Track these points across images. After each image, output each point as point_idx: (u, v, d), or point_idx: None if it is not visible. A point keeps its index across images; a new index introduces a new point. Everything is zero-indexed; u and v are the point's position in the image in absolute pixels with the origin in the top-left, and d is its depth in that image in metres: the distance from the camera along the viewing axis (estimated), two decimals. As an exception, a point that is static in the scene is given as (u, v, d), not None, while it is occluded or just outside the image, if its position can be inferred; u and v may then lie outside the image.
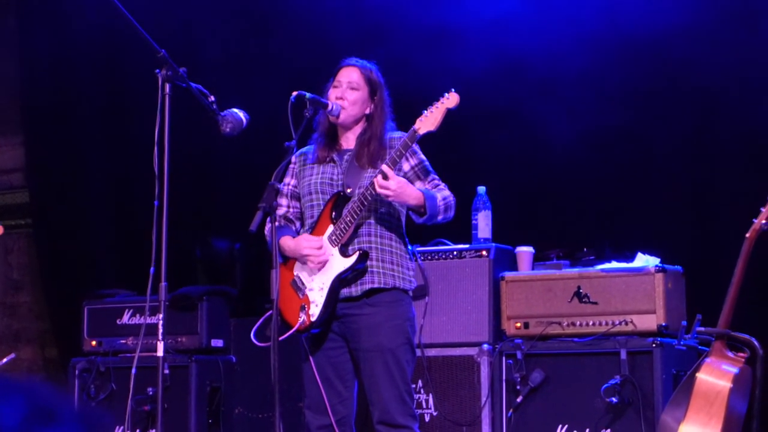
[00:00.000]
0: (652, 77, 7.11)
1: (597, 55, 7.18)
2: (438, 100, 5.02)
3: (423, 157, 5.24)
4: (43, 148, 9.11)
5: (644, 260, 6.22)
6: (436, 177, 5.23)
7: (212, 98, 4.77)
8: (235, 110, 4.88)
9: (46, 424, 1.57)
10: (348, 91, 5.18)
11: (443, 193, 5.15)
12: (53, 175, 9.00)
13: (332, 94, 5.20)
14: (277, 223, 5.23)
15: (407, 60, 7.49)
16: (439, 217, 5.14)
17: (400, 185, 4.95)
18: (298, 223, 5.32)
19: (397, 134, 5.21)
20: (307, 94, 5.04)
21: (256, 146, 6.98)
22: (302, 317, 5.10)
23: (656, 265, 6.11)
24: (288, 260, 5.22)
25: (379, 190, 4.94)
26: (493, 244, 6.52)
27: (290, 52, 7.93)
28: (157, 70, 4.67)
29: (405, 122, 5.25)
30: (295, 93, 4.99)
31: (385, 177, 4.92)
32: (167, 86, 4.65)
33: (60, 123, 8.97)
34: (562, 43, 7.27)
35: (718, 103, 6.91)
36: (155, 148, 4.59)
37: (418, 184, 5.16)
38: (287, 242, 5.18)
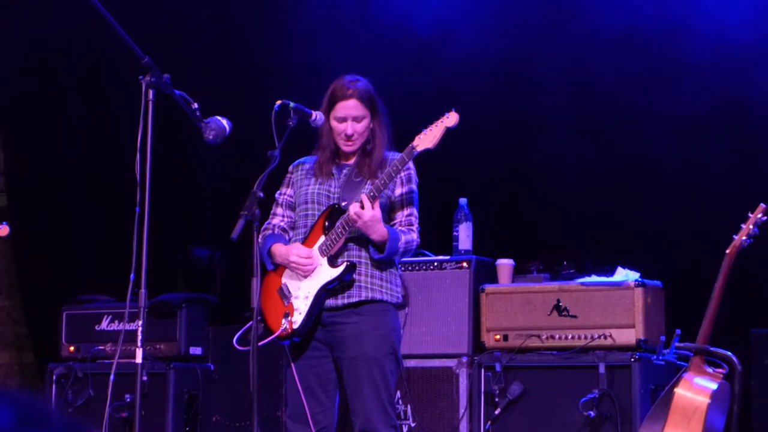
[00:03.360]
0: (634, 92, 7.12)
1: (578, 71, 7.20)
2: (438, 119, 5.02)
3: (415, 188, 5.23)
4: (22, 151, 9.08)
5: (624, 274, 6.23)
6: (414, 213, 5.21)
7: (196, 105, 4.76)
8: (219, 118, 4.87)
9: (36, 427, 1.57)
10: (356, 126, 5.17)
11: (407, 237, 5.14)
12: (33, 179, 8.96)
13: (339, 127, 5.17)
14: (271, 232, 5.24)
15: (394, 73, 7.50)
16: (395, 257, 5.16)
17: (372, 219, 4.96)
18: (291, 233, 5.32)
19: (397, 156, 5.20)
20: (291, 103, 5.02)
21: (239, 154, 6.97)
22: (284, 324, 5.09)
23: (636, 280, 6.12)
24: (278, 267, 5.21)
25: (351, 214, 4.96)
26: (474, 256, 6.53)
27: (275, 59, 7.93)
28: (141, 76, 4.66)
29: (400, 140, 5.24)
30: (279, 102, 4.98)
31: (363, 206, 4.95)
32: (150, 92, 4.64)
33: (40, 127, 8.94)
34: (547, 58, 7.29)
35: (702, 119, 6.93)
36: (137, 155, 4.57)
37: (398, 212, 5.17)
38: (279, 248, 5.19)
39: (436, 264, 6.56)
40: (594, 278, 6.29)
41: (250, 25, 8.17)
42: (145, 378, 6.59)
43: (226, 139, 4.88)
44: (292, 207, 5.32)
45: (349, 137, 5.16)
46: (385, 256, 5.08)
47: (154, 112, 4.62)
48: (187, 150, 7.94)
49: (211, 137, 4.82)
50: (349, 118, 5.17)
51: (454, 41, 7.43)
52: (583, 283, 6.25)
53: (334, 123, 5.19)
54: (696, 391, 5.29)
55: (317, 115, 5.15)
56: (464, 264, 6.50)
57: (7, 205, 9.15)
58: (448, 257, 6.58)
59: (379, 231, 5.02)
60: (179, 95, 4.74)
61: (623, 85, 7.13)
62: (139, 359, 4.61)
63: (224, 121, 4.86)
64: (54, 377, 7.34)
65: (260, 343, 4.94)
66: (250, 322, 4.94)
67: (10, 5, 8.94)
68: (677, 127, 6.99)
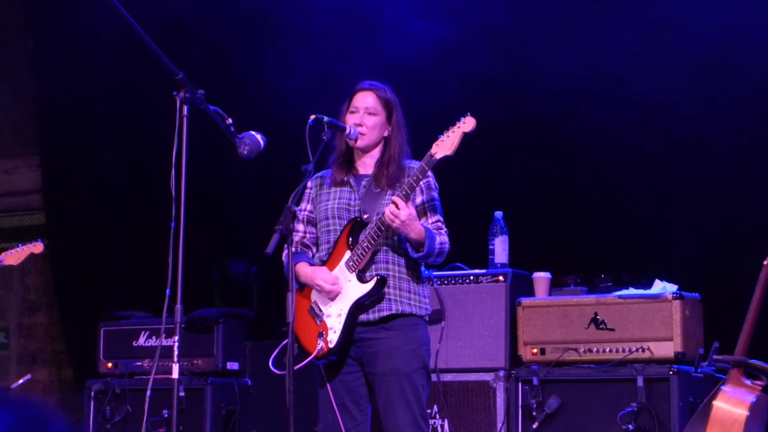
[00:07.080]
0: (673, 103, 7.09)
1: (612, 81, 7.17)
2: (454, 124, 4.99)
3: (436, 195, 5.23)
4: (60, 169, 9.14)
5: (662, 287, 6.20)
6: (441, 219, 5.22)
7: (230, 121, 4.76)
8: (253, 133, 4.87)
9: (36, 429, 1.58)
10: (366, 117, 5.18)
11: (441, 238, 5.15)
12: (70, 197, 9.02)
13: (350, 120, 5.19)
14: (293, 249, 5.21)
15: (424, 82, 7.50)
16: (430, 259, 5.14)
17: (409, 217, 4.95)
18: (314, 248, 5.31)
19: (416, 164, 5.19)
20: (325, 118, 5.03)
21: (274, 169, 6.98)
22: (320, 344, 5.08)
23: (674, 292, 6.09)
24: (304, 287, 5.20)
25: (388, 215, 4.93)
26: (510, 270, 6.51)
27: (309, 73, 7.94)
28: (175, 92, 4.66)
29: (420, 144, 5.23)
30: (312, 116, 4.98)
31: (398, 207, 4.93)
32: (185, 108, 4.65)
33: (77, 145, 9.00)
34: (580, 68, 7.27)
35: (738, 130, 6.90)
36: (173, 170, 4.58)
37: (422, 220, 5.15)
38: (304, 269, 5.17)
39: (472, 277, 6.55)
40: (631, 291, 6.26)
41: (286, 39, 8.18)
42: (182, 393, 6.62)
43: (260, 154, 4.88)
44: (313, 222, 5.31)
45: (357, 125, 5.15)
46: (424, 254, 5.06)
47: (188, 127, 4.63)
48: (222, 165, 7.96)
49: (245, 152, 4.82)
50: (361, 109, 5.18)
51: (490, 51, 7.43)
52: (620, 296, 6.22)
53: (347, 118, 5.19)
54: (734, 403, 5.25)
55: (351, 129, 5.15)
56: (500, 277, 6.48)
57: (45, 222, 9.21)
58: (484, 270, 6.57)
59: (416, 229, 5.00)
60: (213, 110, 4.74)
61: (660, 94, 7.10)
62: (175, 375, 4.60)
63: (258, 136, 4.86)
64: (92, 393, 7.37)
65: (297, 367, 4.94)
66: (282, 344, 4.94)
67: (47, 25, 9.01)
68: (716, 136, 6.95)
